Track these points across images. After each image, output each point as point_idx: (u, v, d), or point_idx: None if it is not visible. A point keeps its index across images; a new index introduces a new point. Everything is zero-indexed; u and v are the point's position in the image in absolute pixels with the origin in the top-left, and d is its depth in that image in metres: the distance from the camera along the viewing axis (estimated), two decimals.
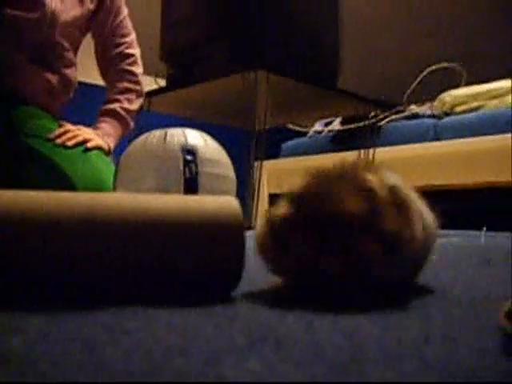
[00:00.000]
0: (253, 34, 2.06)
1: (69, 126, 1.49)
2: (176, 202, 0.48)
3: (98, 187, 1.37)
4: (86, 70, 2.33)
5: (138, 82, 1.67)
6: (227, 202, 0.49)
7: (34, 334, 0.35)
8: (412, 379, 0.26)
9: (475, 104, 2.65)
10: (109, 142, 1.54)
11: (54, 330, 0.36)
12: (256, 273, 0.70)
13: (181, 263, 0.47)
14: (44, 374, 0.26)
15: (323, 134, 3.09)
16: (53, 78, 1.52)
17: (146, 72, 1.95)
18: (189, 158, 1.19)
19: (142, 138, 1.26)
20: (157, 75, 2.34)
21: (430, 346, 0.33)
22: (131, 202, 0.47)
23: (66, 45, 1.54)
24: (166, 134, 1.23)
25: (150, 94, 2.28)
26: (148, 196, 0.49)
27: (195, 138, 1.24)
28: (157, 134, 1.24)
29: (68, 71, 1.56)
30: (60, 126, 1.49)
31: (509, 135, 2.32)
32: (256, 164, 2.10)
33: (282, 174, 3.00)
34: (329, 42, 2.33)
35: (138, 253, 0.45)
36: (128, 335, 0.35)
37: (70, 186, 1.34)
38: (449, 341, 0.34)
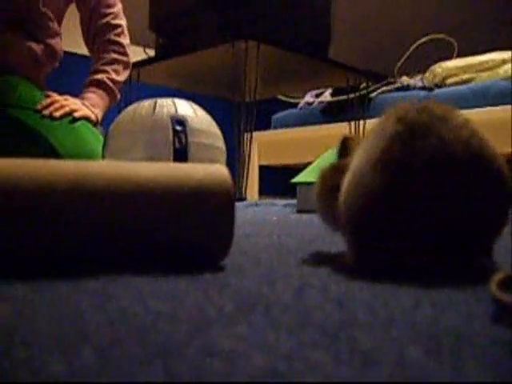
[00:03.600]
0: (243, 4, 2.04)
1: (56, 97, 1.47)
2: (165, 169, 0.48)
3: (86, 158, 1.35)
4: (73, 39, 2.29)
5: (125, 53, 1.65)
6: (216, 170, 0.49)
7: (20, 301, 0.34)
8: (400, 344, 0.26)
9: (466, 76, 2.64)
10: (96, 113, 1.52)
11: (40, 297, 0.35)
12: (246, 241, 0.70)
13: (170, 230, 0.46)
14: (29, 342, 0.26)
15: (313, 105, 3.08)
16: (37, 48, 1.49)
17: (135, 42, 1.93)
18: (178, 128, 1.18)
19: (131, 108, 1.25)
20: (146, 45, 2.31)
21: (420, 311, 0.33)
22: (119, 170, 0.46)
23: (51, 15, 1.51)
24: (155, 104, 1.21)
25: (140, 65, 2.25)
26: (136, 163, 0.48)
27: (185, 108, 1.22)
28: (146, 104, 1.23)
29: (52, 41, 1.54)
30: (47, 96, 1.47)
31: (500, 108, 2.32)
32: (246, 135, 2.08)
33: (273, 146, 2.99)
34: (320, 11, 2.30)
35: (126, 220, 0.45)
36: (114, 302, 0.34)
37: (57, 158, 1.32)
38: (438, 306, 0.34)
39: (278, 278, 0.44)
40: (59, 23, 1.58)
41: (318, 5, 2.30)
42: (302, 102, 3.16)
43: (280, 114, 3.23)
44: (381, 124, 0.47)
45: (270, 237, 0.78)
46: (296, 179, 1.45)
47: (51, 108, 1.41)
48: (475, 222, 0.44)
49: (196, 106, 1.26)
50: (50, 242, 0.44)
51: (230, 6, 2.04)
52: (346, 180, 0.48)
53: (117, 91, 1.61)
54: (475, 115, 2.37)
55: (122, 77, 1.63)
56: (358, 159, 0.47)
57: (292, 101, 3.23)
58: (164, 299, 0.35)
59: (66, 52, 1.69)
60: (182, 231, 0.47)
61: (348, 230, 0.48)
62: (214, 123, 1.26)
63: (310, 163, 1.53)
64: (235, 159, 2.09)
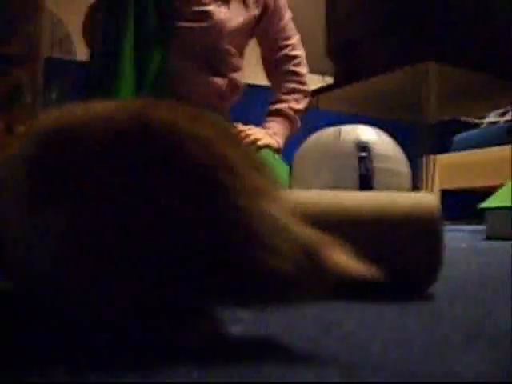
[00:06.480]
0: (421, 25, 2.00)
1: (240, 127, 1.56)
2: (375, 198, 0.49)
3: None
4: (253, 71, 2.41)
5: (303, 83, 1.70)
6: (423, 197, 0.49)
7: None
8: None
9: None
10: (278, 141, 1.58)
11: None
12: (453, 268, 0.68)
13: (382, 259, 0.47)
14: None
15: (498, 124, 2.92)
16: (222, 83, 1.59)
17: (313, 70, 1.97)
18: (363, 154, 1.19)
19: (316, 135, 1.28)
20: (324, 73, 2.36)
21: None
22: (341, 200, 0.48)
23: (233, 50, 1.60)
24: (339, 132, 1.24)
25: (318, 92, 2.31)
26: (352, 194, 0.50)
27: (369, 133, 1.23)
28: (330, 131, 1.26)
29: (235, 75, 1.63)
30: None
31: None
32: (427, 158, 2.03)
33: (454, 169, 2.88)
34: (503, 29, 2.19)
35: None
36: (339, 328, 0.36)
37: None
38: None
39: (494, 307, 0.43)
40: (241, 57, 1.68)
41: (501, 22, 2.19)
42: (484, 122, 3.02)
43: (462, 136, 3.11)
44: None
45: (467, 265, 0.75)
46: (484, 204, 1.38)
47: None
48: None
49: (380, 132, 1.26)
50: None
51: (408, 30, 2.02)
52: None
53: (297, 119, 1.66)
54: None
55: (302, 105, 1.69)
56: None
57: (474, 121, 3.10)
58: (388, 326, 0.36)
59: (248, 84, 1.78)
60: (393, 259, 0.47)
61: None
62: (398, 148, 1.25)
63: (494, 187, 1.46)
64: (415, 183, 2.05)
